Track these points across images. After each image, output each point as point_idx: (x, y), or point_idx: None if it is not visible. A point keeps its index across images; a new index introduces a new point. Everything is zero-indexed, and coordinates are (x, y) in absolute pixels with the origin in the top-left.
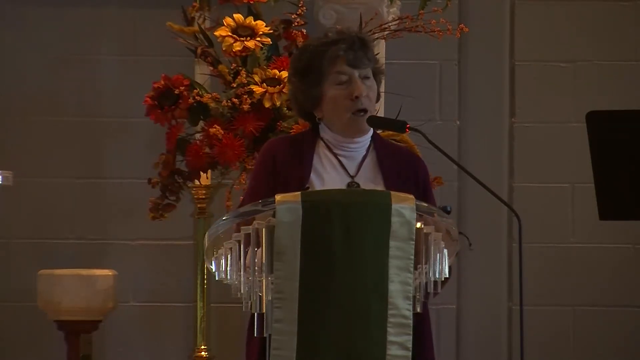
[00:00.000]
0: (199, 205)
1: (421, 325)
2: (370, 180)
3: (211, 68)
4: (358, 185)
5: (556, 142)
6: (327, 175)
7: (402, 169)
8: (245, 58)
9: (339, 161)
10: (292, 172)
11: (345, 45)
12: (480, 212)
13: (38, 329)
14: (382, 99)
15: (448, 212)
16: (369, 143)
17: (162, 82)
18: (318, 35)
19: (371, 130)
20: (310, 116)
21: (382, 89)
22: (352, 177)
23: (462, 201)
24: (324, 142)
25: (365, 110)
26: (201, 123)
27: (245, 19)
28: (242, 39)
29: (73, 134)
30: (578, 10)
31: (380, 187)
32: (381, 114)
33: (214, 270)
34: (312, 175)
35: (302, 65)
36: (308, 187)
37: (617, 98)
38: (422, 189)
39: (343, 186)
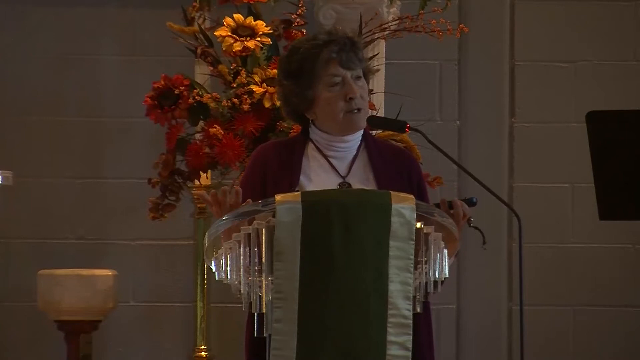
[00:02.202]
0: (199, 205)
1: (421, 325)
2: (361, 180)
3: (211, 68)
4: (349, 185)
5: (556, 142)
6: (317, 177)
7: (394, 168)
8: (245, 58)
9: (329, 162)
10: (281, 177)
11: (337, 47)
12: (480, 212)
13: (38, 329)
14: (382, 99)
15: (474, 204)
16: (359, 143)
17: (162, 82)
18: (306, 37)
19: (362, 130)
20: (301, 118)
21: (382, 89)
22: (343, 177)
23: None
24: (314, 144)
25: (359, 109)
26: (201, 123)
27: (245, 19)
28: (242, 39)
29: (73, 134)
30: (578, 10)
31: (372, 186)
32: (381, 114)
33: (214, 270)
34: (302, 178)
35: (293, 68)
36: (298, 191)
37: (617, 98)
38: (415, 188)
39: (334, 187)
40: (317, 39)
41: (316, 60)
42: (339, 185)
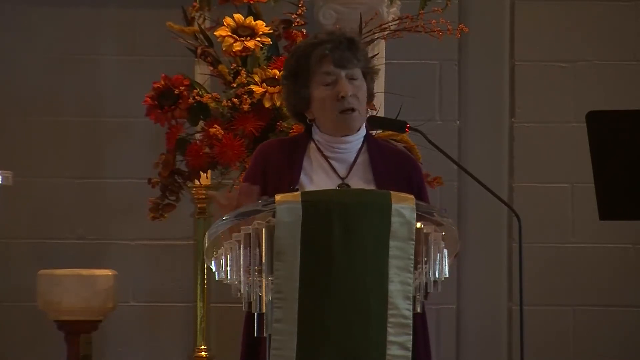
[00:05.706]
0: (199, 205)
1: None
2: (361, 182)
3: (211, 68)
4: (348, 187)
5: (556, 142)
6: (317, 178)
7: (395, 171)
8: (245, 58)
9: (329, 163)
10: (282, 175)
11: (331, 45)
12: (480, 212)
13: (38, 329)
14: (382, 99)
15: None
16: (360, 144)
17: (162, 82)
18: (309, 37)
19: (363, 131)
20: (303, 118)
21: (382, 89)
22: (342, 178)
23: (462, 201)
24: (316, 144)
25: (352, 109)
26: (201, 123)
27: (245, 19)
28: (242, 39)
29: (73, 134)
30: (578, 10)
31: (371, 188)
32: (381, 114)
33: (214, 270)
34: (303, 178)
35: (291, 67)
36: (298, 190)
37: (617, 98)
38: (416, 192)
39: (333, 188)
40: (317, 38)
41: (310, 58)
42: (338, 186)
